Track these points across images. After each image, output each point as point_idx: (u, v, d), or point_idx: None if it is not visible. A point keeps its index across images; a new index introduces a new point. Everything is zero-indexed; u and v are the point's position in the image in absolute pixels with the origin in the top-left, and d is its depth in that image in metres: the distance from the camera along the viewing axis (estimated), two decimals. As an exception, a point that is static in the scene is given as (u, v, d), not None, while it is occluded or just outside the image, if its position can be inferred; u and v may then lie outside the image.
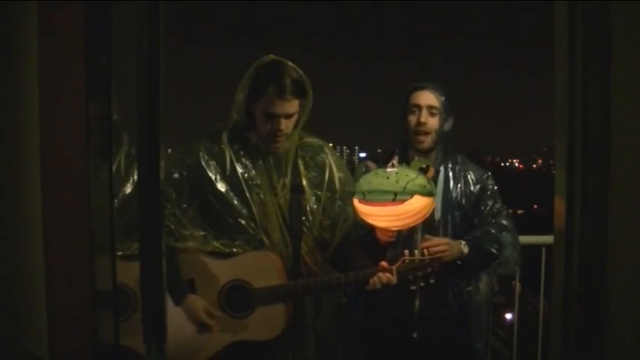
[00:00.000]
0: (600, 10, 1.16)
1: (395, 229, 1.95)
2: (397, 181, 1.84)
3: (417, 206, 1.85)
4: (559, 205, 1.25)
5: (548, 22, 1.38)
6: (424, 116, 2.11)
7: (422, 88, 2.14)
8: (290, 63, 1.93)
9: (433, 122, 2.12)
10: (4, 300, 0.97)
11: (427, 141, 2.12)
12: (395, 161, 1.94)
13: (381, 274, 1.90)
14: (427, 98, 2.13)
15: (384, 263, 1.93)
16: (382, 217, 1.88)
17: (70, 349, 0.98)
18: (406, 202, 1.83)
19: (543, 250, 2.78)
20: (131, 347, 1.18)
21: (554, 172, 1.34)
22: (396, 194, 1.83)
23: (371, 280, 1.91)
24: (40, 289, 0.97)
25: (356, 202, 1.92)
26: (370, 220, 1.92)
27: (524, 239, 2.30)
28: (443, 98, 2.13)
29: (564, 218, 1.22)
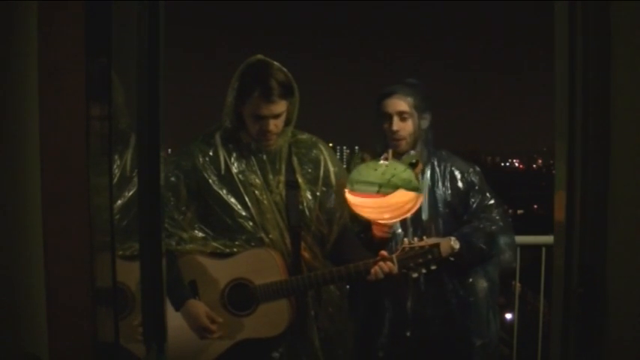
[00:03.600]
0: (600, 10, 1.16)
1: (380, 222, 1.98)
2: (383, 174, 1.88)
3: (400, 200, 1.88)
4: (559, 204, 1.25)
5: (548, 22, 1.38)
6: (396, 123, 2.11)
7: (389, 94, 2.14)
8: (276, 63, 1.93)
9: (406, 127, 2.12)
10: (4, 300, 0.97)
11: (402, 145, 2.14)
12: (389, 154, 1.97)
13: (382, 263, 1.92)
14: (395, 105, 2.12)
15: (383, 252, 1.94)
16: (367, 208, 1.92)
17: (70, 349, 0.98)
18: (389, 195, 1.87)
19: (543, 250, 2.78)
20: (127, 348, 1.18)
21: (554, 172, 1.34)
22: (380, 186, 1.86)
23: (372, 270, 1.92)
24: (40, 289, 0.97)
25: (346, 192, 1.97)
26: (357, 211, 1.96)
27: (524, 239, 2.30)
28: (413, 98, 2.12)
29: (564, 218, 1.22)
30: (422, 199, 1.97)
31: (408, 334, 2.12)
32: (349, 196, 1.94)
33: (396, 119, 2.11)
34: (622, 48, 1.14)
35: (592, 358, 1.19)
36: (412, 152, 2.06)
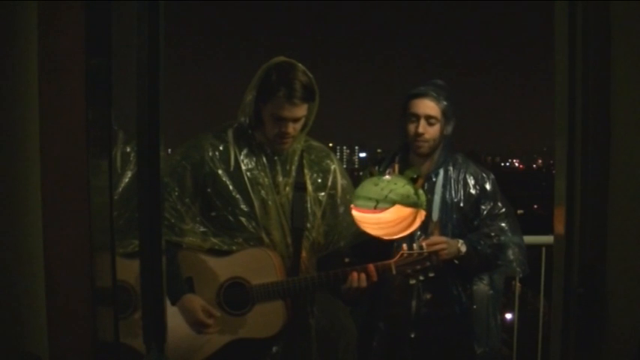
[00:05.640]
0: (600, 10, 1.16)
1: (382, 237, 1.94)
2: (382, 189, 1.84)
3: (396, 216, 1.84)
4: (559, 205, 1.25)
5: (548, 22, 1.38)
6: (422, 126, 2.07)
7: (421, 95, 2.08)
8: (301, 65, 1.92)
9: (432, 131, 2.08)
10: (4, 300, 0.97)
11: (425, 147, 2.10)
12: (393, 168, 1.94)
13: (378, 268, 1.92)
14: (426, 107, 2.07)
15: (371, 266, 1.93)
16: (366, 224, 1.89)
17: (70, 348, 0.98)
18: (386, 211, 1.83)
19: (543, 250, 2.78)
20: (132, 346, 1.18)
21: (554, 172, 1.34)
22: (377, 202, 1.83)
23: (371, 275, 1.91)
24: (40, 289, 0.97)
25: (351, 207, 1.94)
26: (361, 226, 1.93)
27: (524, 239, 2.29)
28: (444, 104, 2.07)
29: (564, 218, 1.22)
30: (423, 215, 1.92)
31: (413, 335, 2.11)
32: (352, 212, 1.93)
33: (423, 122, 2.07)
34: (622, 48, 1.14)
35: (592, 358, 1.19)
36: (411, 167, 2.01)
